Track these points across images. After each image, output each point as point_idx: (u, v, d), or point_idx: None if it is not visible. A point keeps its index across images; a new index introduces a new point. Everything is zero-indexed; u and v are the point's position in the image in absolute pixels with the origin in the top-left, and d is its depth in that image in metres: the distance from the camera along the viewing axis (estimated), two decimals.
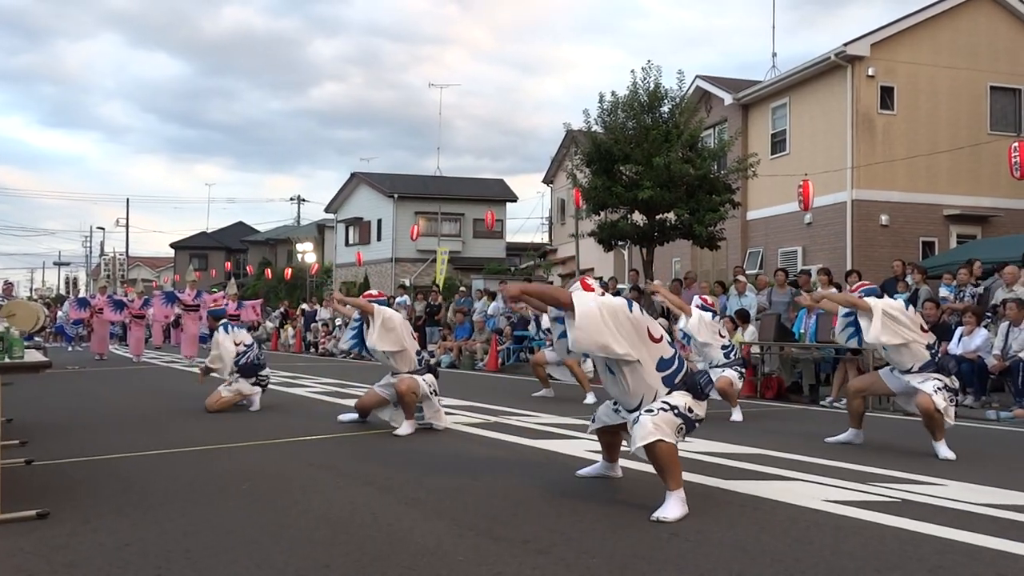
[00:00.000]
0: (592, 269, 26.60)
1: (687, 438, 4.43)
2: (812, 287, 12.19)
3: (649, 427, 4.10)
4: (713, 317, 8.45)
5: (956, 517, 4.09)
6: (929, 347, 6.12)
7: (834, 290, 11.53)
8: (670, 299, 8.94)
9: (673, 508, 4.01)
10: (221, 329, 8.82)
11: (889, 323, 6.03)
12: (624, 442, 4.66)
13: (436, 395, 7.18)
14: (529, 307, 8.88)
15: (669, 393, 4.26)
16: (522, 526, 3.87)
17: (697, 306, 8.41)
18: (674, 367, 4.32)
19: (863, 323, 6.18)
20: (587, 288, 4.47)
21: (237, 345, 8.74)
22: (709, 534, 3.74)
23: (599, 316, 4.15)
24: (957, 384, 6.23)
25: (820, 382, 11.18)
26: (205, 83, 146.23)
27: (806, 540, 3.68)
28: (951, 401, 6.04)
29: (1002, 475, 5.31)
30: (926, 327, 6.25)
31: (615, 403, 4.64)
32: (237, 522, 3.94)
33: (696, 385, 4.32)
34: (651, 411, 4.19)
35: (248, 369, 8.72)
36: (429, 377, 7.16)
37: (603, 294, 4.42)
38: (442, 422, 7.14)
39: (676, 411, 4.20)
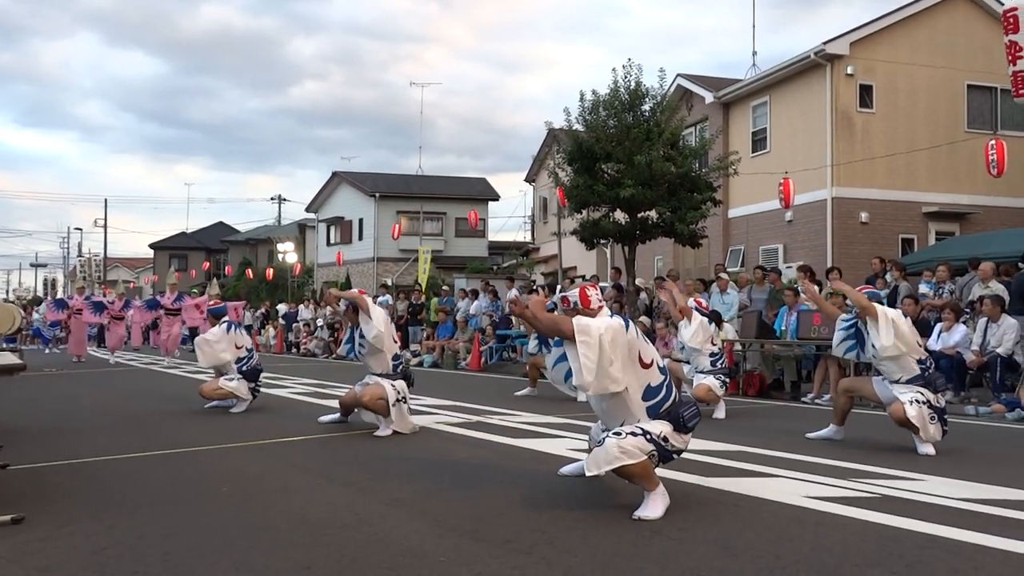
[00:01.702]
0: (575, 267, 26.63)
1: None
2: (792, 284, 12.25)
3: (615, 452, 3.93)
4: (709, 323, 8.41)
5: (936, 512, 4.12)
6: (920, 362, 6.10)
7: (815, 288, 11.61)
8: (676, 302, 8.71)
9: (654, 507, 4.00)
10: (222, 326, 8.70)
11: (892, 332, 6.01)
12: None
13: (406, 402, 6.96)
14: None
15: (650, 422, 4.11)
16: (504, 526, 3.85)
17: (692, 309, 8.38)
18: (660, 396, 4.14)
19: (871, 330, 6.11)
20: (585, 300, 4.24)
21: (239, 349, 8.62)
22: (691, 532, 3.74)
23: (603, 354, 3.96)
24: (943, 404, 6.13)
25: (802, 379, 11.25)
26: (183, 82, 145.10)
27: (787, 536, 3.69)
28: (933, 419, 5.97)
29: (981, 470, 5.36)
30: (921, 343, 6.24)
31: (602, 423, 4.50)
32: (216, 524, 3.91)
33: (679, 418, 4.13)
34: (619, 434, 4.02)
35: (252, 374, 8.64)
36: (400, 384, 6.93)
37: (600, 307, 4.27)
38: (408, 430, 6.89)
39: (648, 436, 4.03)
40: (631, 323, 4.22)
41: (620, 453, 3.95)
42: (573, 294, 4.33)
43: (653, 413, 4.12)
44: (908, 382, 6.07)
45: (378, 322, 6.85)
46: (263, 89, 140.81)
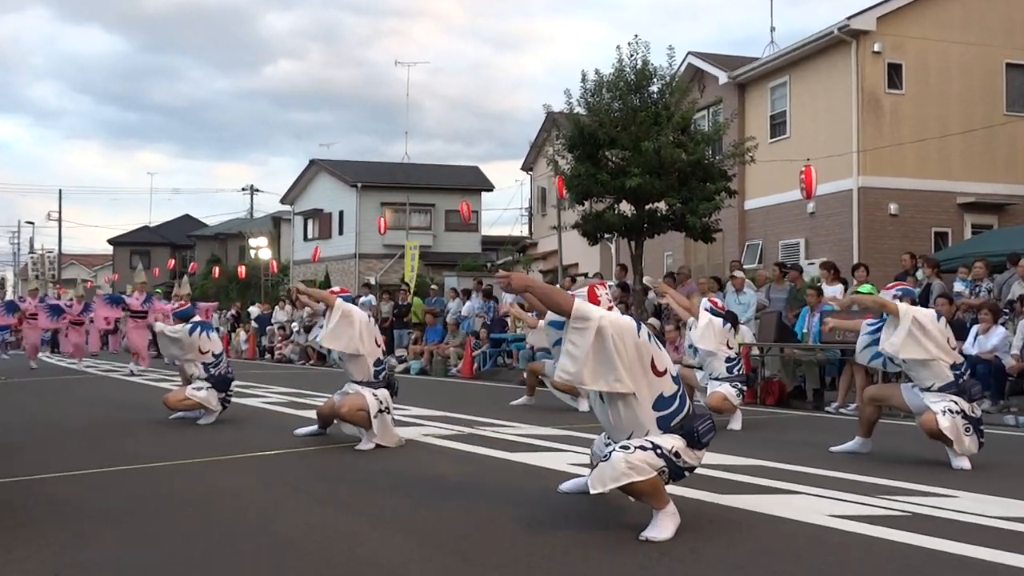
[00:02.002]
0: (576, 264, 26.66)
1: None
2: (816, 282, 12.28)
3: (622, 468, 3.93)
4: (724, 324, 8.41)
5: (970, 532, 4.14)
6: (955, 367, 6.09)
7: (839, 287, 11.65)
8: (677, 300, 8.83)
9: (663, 526, 4.00)
10: (188, 327, 8.65)
11: (917, 334, 5.99)
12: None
13: (389, 413, 6.98)
14: (523, 317, 8.52)
15: (661, 435, 4.12)
16: (497, 546, 3.87)
17: (706, 308, 8.39)
18: (673, 407, 4.15)
19: (886, 330, 6.15)
20: (594, 298, 4.27)
21: (204, 353, 8.59)
22: (703, 553, 3.76)
23: (599, 341, 4.00)
24: (979, 414, 6.14)
25: (825, 386, 11.27)
26: (145, 61, 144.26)
27: (808, 558, 3.71)
28: (968, 431, 5.96)
29: (1020, 485, 5.39)
30: (955, 345, 6.25)
31: (607, 435, 4.51)
32: (183, 546, 3.91)
33: (692, 432, 4.14)
34: (627, 448, 4.02)
35: (222, 382, 8.63)
36: (383, 392, 6.95)
37: (611, 308, 4.30)
38: (392, 443, 6.89)
39: (659, 451, 4.04)
40: (643, 326, 4.25)
41: (628, 469, 3.95)
42: (582, 293, 4.36)
43: (664, 425, 4.14)
44: (940, 390, 6.08)
45: (331, 320, 6.85)
46: (233, 69, 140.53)
